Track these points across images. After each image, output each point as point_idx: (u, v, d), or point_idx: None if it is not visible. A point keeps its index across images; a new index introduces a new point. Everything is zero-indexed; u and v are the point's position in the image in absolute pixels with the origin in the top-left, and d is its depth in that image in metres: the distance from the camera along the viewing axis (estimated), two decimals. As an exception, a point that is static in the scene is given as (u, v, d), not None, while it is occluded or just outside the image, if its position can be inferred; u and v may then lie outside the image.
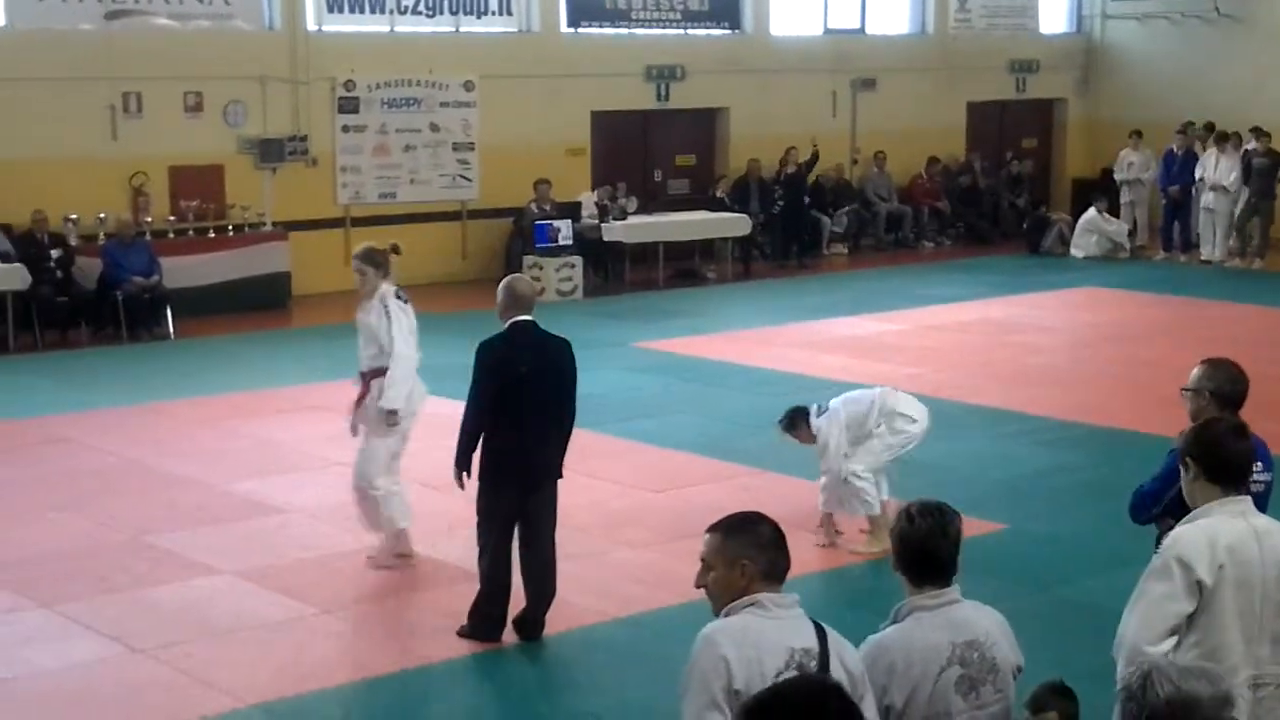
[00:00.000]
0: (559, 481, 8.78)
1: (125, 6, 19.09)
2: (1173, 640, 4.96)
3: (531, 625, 8.74)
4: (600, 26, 23.11)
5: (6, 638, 8.82)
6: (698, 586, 4.73)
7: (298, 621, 9.16)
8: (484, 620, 8.71)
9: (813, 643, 4.54)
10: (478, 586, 8.75)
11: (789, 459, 11.76)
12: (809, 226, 24.02)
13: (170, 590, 9.58)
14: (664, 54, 23.51)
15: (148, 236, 18.65)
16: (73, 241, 18.19)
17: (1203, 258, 23.89)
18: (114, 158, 18.93)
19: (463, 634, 8.74)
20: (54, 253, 17.85)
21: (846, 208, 24.95)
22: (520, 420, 8.48)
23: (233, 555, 10.17)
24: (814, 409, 10.44)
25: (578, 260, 20.80)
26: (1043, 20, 28.43)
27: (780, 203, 23.43)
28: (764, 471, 12.00)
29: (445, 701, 8.29)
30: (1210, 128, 24.42)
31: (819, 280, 22.55)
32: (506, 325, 8.65)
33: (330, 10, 20.77)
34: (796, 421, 10.49)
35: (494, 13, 22.07)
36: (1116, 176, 25.73)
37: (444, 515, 10.39)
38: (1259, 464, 5.87)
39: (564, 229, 20.71)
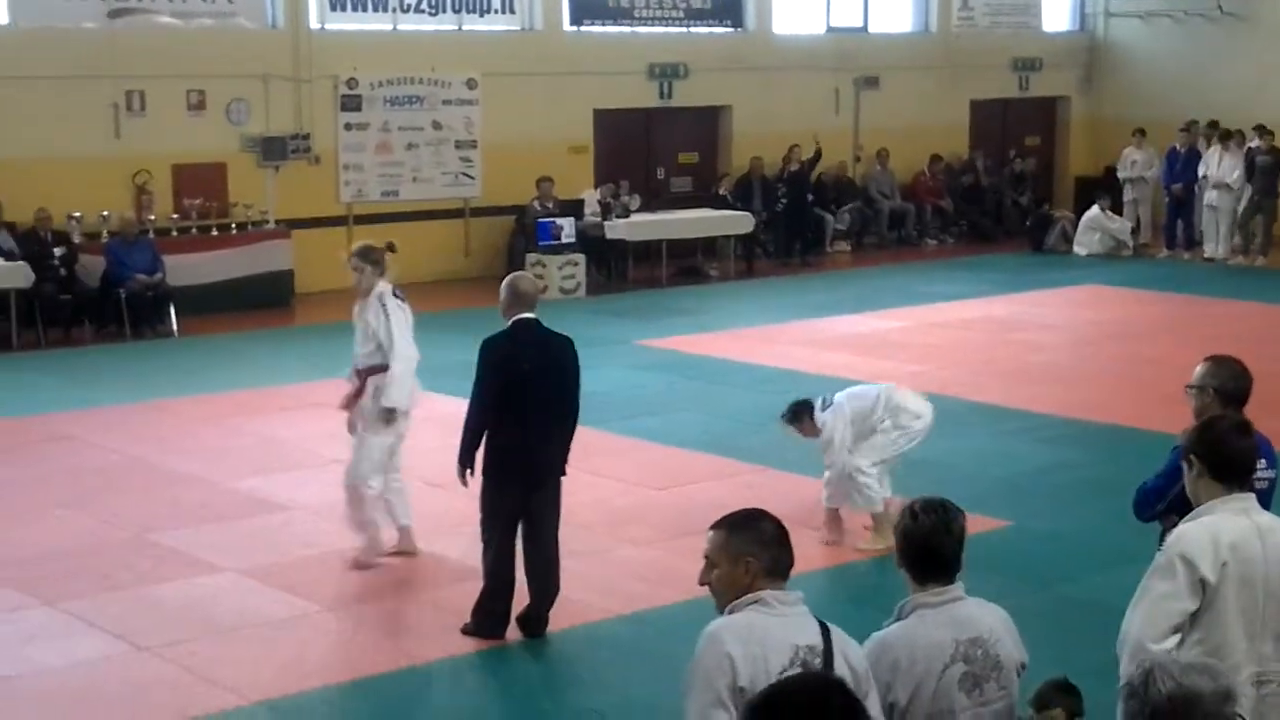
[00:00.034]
0: (562, 479, 8.78)
1: (128, 5, 19.10)
2: (1176, 638, 4.96)
3: (535, 622, 8.75)
4: (603, 24, 23.11)
5: (11, 636, 8.83)
6: (701, 584, 4.73)
7: (301, 619, 9.16)
8: (488, 617, 8.72)
9: (817, 640, 4.54)
10: (481, 584, 8.76)
11: (792, 456, 11.77)
12: (812, 224, 24.03)
13: (174, 588, 9.59)
14: (667, 52, 23.51)
15: (151, 234, 18.65)
16: (76, 239, 18.21)
17: (1206, 255, 23.88)
18: (117, 156, 18.94)
19: (466, 631, 8.75)
20: (57, 251, 17.87)
21: (849, 205, 24.95)
22: (524, 418, 8.48)
23: (236, 553, 10.18)
24: (818, 403, 10.44)
25: (580, 258, 20.80)
26: (1046, 18, 28.42)
27: (783, 201, 23.44)
28: (767, 469, 12.00)
29: (449, 699, 8.29)
30: (1214, 125, 24.41)
31: (822, 278, 22.54)
32: (510, 323, 8.65)
33: (333, 8, 20.78)
34: (800, 415, 10.49)
35: (496, 11, 22.07)
36: (1120, 174, 25.71)
37: (447, 513, 10.40)
38: (1262, 461, 5.87)
39: (567, 227, 20.71)
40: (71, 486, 11.75)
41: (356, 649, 8.75)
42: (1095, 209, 24.74)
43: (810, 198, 23.79)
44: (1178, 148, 24.50)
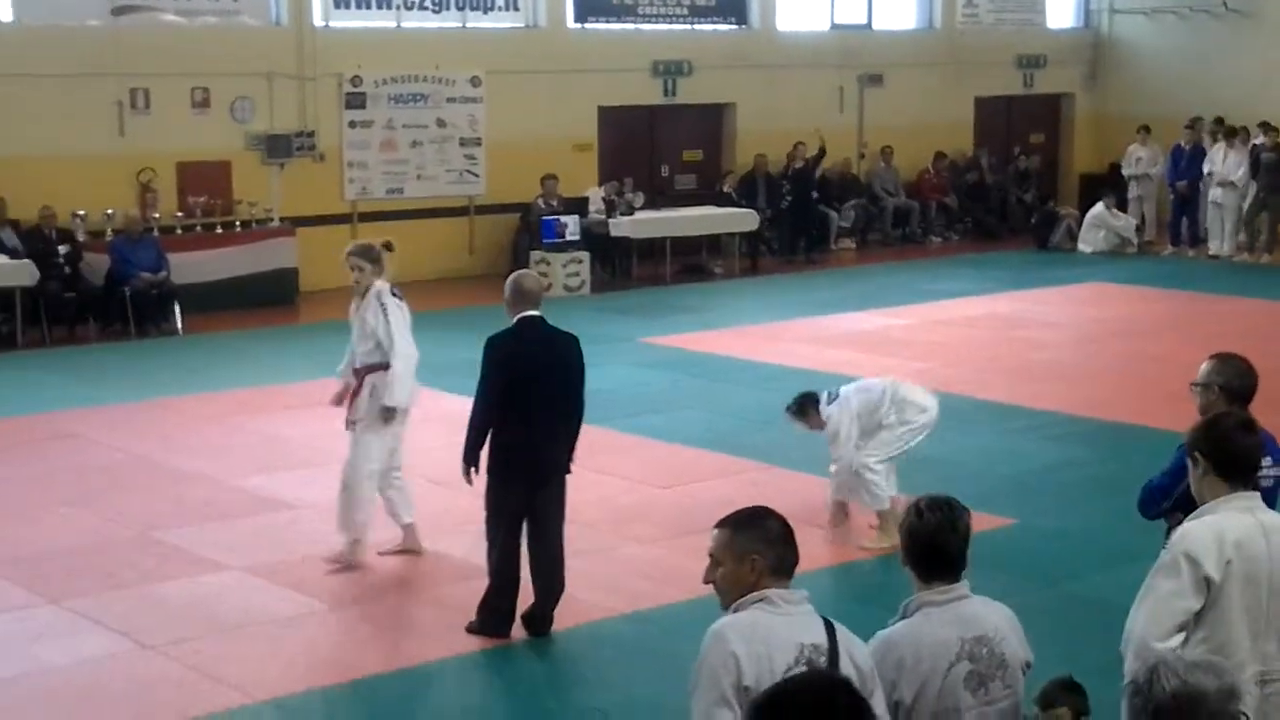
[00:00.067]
0: (567, 477, 8.78)
1: (132, 2, 19.10)
2: (1180, 636, 4.95)
3: (540, 621, 8.74)
4: (607, 22, 23.10)
5: (17, 634, 8.84)
6: (706, 582, 4.72)
7: (306, 617, 9.17)
8: (492, 615, 8.71)
9: (822, 638, 4.54)
10: (486, 582, 8.76)
11: (797, 454, 11.77)
12: (816, 221, 24.03)
13: (178, 586, 9.59)
14: (671, 49, 23.50)
15: (155, 232, 18.67)
16: (81, 238, 18.22)
17: (1210, 253, 23.87)
18: (121, 154, 18.95)
19: (471, 629, 8.74)
20: (62, 249, 17.89)
21: (852, 202, 24.94)
22: (528, 416, 8.48)
23: (241, 551, 10.18)
24: (824, 396, 10.41)
25: (585, 256, 20.80)
26: (1050, 15, 28.40)
27: (788, 198, 23.43)
28: (772, 467, 12.00)
29: (454, 697, 8.28)
30: (1220, 122, 24.38)
31: (826, 275, 22.53)
32: (514, 321, 8.64)
33: (337, 6, 20.78)
34: (806, 408, 10.45)
35: (501, 8, 22.06)
36: (1124, 172, 25.70)
37: (452, 511, 10.40)
38: (1268, 459, 5.86)
39: (571, 224, 20.71)
40: (76, 484, 11.76)
41: (361, 647, 8.75)
42: (1100, 206, 24.72)
43: (815, 195, 23.78)
44: (1182, 145, 24.50)
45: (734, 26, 24.37)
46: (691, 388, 15.05)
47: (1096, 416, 13.75)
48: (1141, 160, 25.40)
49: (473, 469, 8.65)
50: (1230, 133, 23.77)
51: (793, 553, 4.67)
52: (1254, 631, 5.03)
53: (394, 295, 9.83)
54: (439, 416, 12.57)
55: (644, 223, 21.82)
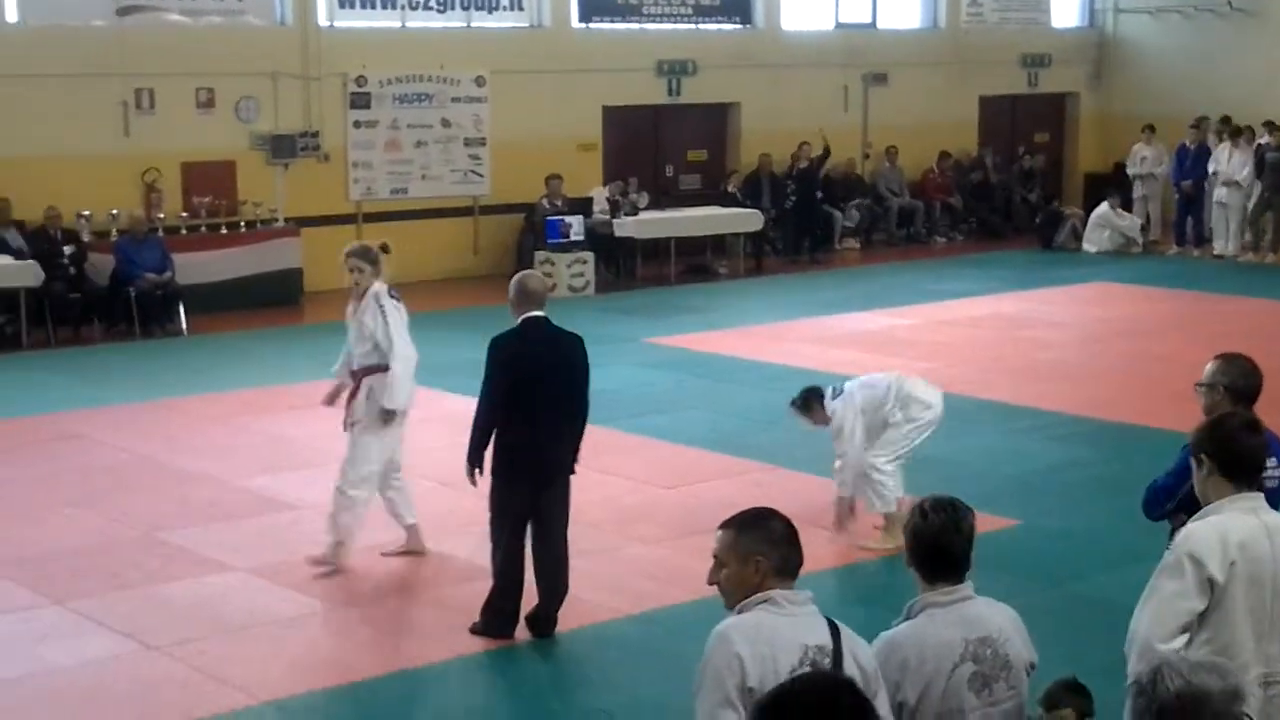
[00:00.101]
0: (571, 478, 8.77)
1: (137, 2, 19.12)
2: (1184, 637, 4.94)
3: (544, 622, 8.74)
4: (611, 21, 23.10)
5: (22, 634, 8.84)
6: (710, 583, 4.72)
7: (311, 618, 9.18)
8: (496, 616, 8.71)
9: (826, 640, 4.53)
10: (490, 583, 8.75)
11: (801, 455, 11.77)
12: (821, 221, 24.03)
13: (183, 587, 9.60)
14: (675, 49, 23.50)
15: (160, 233, 18.68)
16: (85, 238, 18.23)
17: (1215, 252, 23.86)
18: (126, 154, 18.97)
19: (475, 630, 8.74)
20: (67, 249, 17.89)
21: (857, 201, 24.93)
22: (533, 416, 8.48)
23: (245, 551, 10.19)
24: (829, 391, 10.38)
25: (589, 256, 20.79)
26: (1055, 14, 28.38)
27: (792, 198, 23.43)
28: (776, 467, 11.99)
29: (457, 699, 8.28)
30: (1226, 121, 24.32)
31: (831, 275, 22.53)
32: (519, 321, 8.64)
33: (342, 6, 20.79)
34: (811, 402, 10.41)
35: (505, 8, 22.07)
36: (1129, 171, 25.69)
37: (456, 512, 10.40)
38: (1272, 459, 5.85)
39: (575, 224, 20.71)
40: (81, 485, 11.76)
41: (365, 648, 8.75)
42: (1105, 206, 24.71)
43: (819, 195, 23.78)
44: (1187, 144, 24.49)
45: (738, 26, 24.37)
46: (696, 388, 15.05)
47: (1101, 417, 13.75)
48: (1146, 160, 25.39)
49: (477, 470, 8.64)
50: (1235, 132, 23.75)
51: (797, 554, 4.67)
52: (1258, 633, 5.03)
53: (392, 297, 9.83)
54: (443, 417, 12.57)
55: (648, 223, 21.82)
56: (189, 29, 19.46)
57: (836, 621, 4.64)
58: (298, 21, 20.28)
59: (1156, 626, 4.94)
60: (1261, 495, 5.20)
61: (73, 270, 17.86)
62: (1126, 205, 25.07)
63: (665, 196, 23.56)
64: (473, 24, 21.85)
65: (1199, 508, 5.21)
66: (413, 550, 10.09)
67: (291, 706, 7.94)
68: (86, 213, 18.25)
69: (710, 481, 11.72)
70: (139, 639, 8.73)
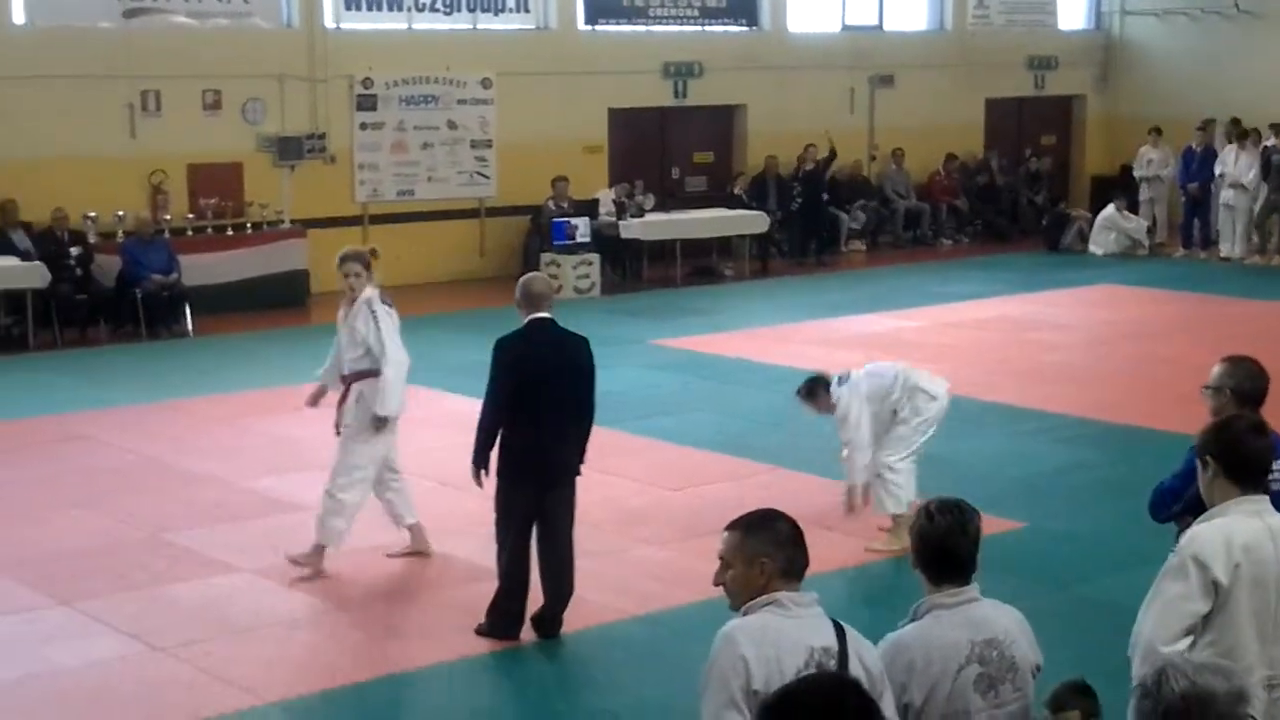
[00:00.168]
0: (577, 479, 8.77)
1: (144, 4, 19.14)
2: (1188, 640, 4.94)
3: (549, 623, 8.74)
4: (618, 24, 23.11)
5: (27, 635, 8.85)
6: (716, 584, 4.72)
7: (316, 619, 9.18)
8: (502, 617, 8.71)
9: (832, 641, 4.53)
10: (495, 584, 8.75)
11: (807, 456, 11.77)
12: (827, 223, 24.02)
13: (189, 588, 9.61)
14: (681, 51, 23.50)
15: (166, 234, 18.70)
16: (92, 239, 18.26)
17: (1222, 255, 23.83)
18: (133, 156, 18.98)
19: (481, 632, 8.74)
20: (73, 250, 17.91)
21: (861, 203, 24.91)
22: (538, 418, 8.48)
23: (251, 553, 10.19)
24: (835, 379, 10.34)
25: (595, 258, 20.80)
26: (1061, 16, 28.36)
27: (798, 200, 23.43)
28: (782, 469, 11.99)
29: (463, 699, 8.28)
30: (1236, 123, 24.26)
31: (837, 277, 22.52)
32: (524, 323, 8.65)
33: (348, 8, 20.80)
34: (816, 390, 10.36)
35: (511, 10, 22.08)
36: (1136, 173, 25.67)
37: (461, 513, 10.40)
38: (1278, 462, 5.84)
39: (581, 226, 20.71)
40: (87, 486, 11.77)
41: (371, 649, 8.76)
42: (1111, 208, 24.69)
43: (825, 197, 23.77)
44: (1194, 147, 24.45)
45: (744, 28, 24.37)
46: (702, 390, 15.05)
47: (1107, 419, 13.73)
48: (1153, 162, 25.36)
49: (482, 471, 8.65)
50: (1242, 134, 23.71)
51: (803, 555, 4.67)
52: (1262, 635, 5.02)
53: (384, 303, 9.83)
54: (448, 418, 12.57)
55: (654, 225, 21.82)
56: (195, 31, 19.48)
57: (842, 623, 4.63)
58: (304, 23, 20.30)
59: (1160, 629, 4.94)
60: (1267, 498, 5.19)
61: (79, 271, 17.88)
62: (1133, 208, 25.06)
63: (671, 198, 23.56)
64: (479, 26, 21.85)
65: (1205, 510, 5.20)
66: (417, 550, 10.09)
67: (297, 707, 7.94)
68: (93, 214, 18.28)
69: (716, 483, 11.71)
70: (145, 640, 8.74)
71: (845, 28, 25.60)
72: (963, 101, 26.76)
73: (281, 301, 19.14)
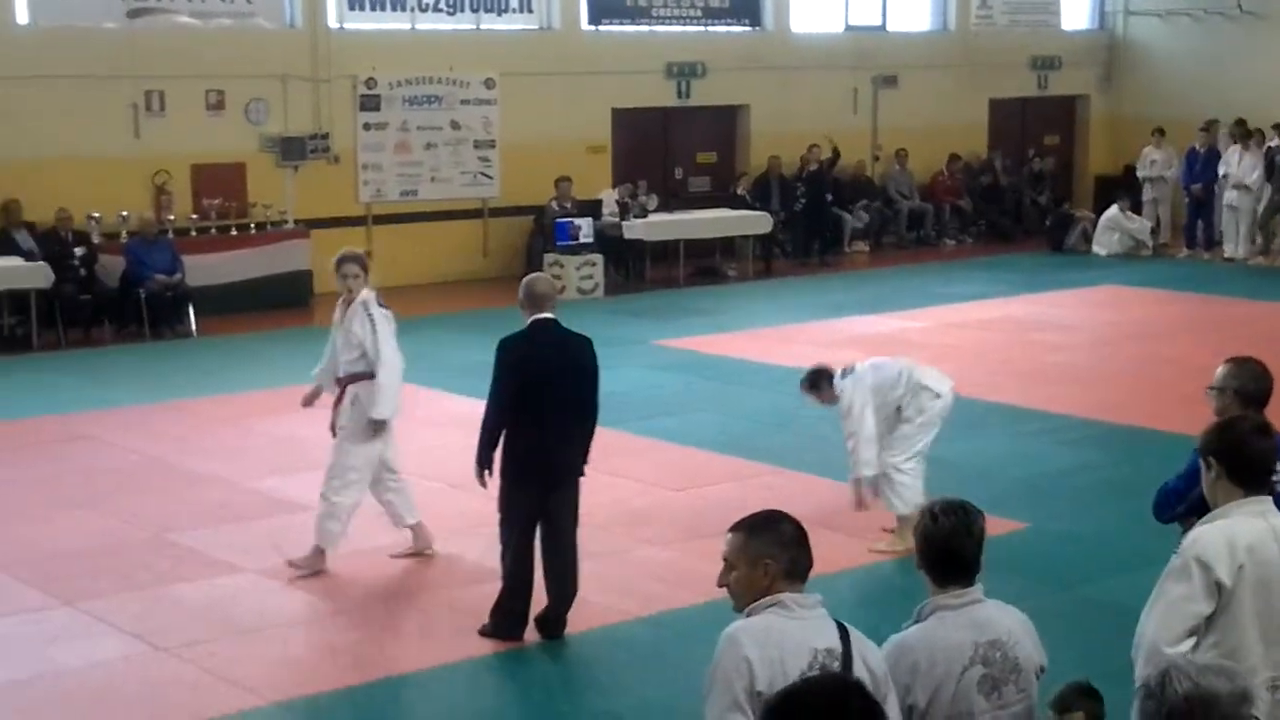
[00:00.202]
0: (581, 480, 8.78)
1: (147, 5, 19.14)
2: (1191, 641, 4.94)
3: (553, 624, 8.74)
4: (621, 24, 23.11)
5: (32, 636, 8.86)
6: (720, 586, 4.72)
7: (320, 620, 9.18)
8: (506, 618, 8.71)
9: (835, 643, 4.53)
10: (499, 585, 8.76)
11: (811, 457, 11.77)
12: (830, 224, 24.02)
13: (193, 588, 9.61)
14: (685, 51, 23.50)
15: (170, 235, 18.71)
16: (96, 240, 18.26)
17: (1226, 255, 23.81)
18: (136, 156, 18.99)
19: (484, 633, 8.74)
20: (77, 251, 17.92)
21: (865, 203, 24.91)
22: (541, 418, 8.48)
23: (255, 553, 10.19)
24: (839, 371, 10.32)
25: (598, 258, 20.80)
26: (1065, 17, 28.34)
27: (801, 200, 23.42)
28: (786, 470, 11.98)
29: (467, 700, 8.29)
30: (1241, 124, 24.23)
31: (840, 278, 22.52)
32: (528, 323, 8.65)
33: (351, 8, 20.81)
34: (819, 382, 10.33)
35: (515, 10, 22.07)
36: (1139, 174, 25.66)
37: (465, 514, 10.41)
38: (1282, 463, 5.85)
39: (585, 227, 20.71)
40: (90, 486, 11.78)
41: (375, 650, 8.76)
42: (1115, 209, 24.68)
43: (829, 197, 23.77)
44: (1197, 147, 24.43)
45: (748, 28, 24.36)
46: (705, 390, 15.05)
47: (1111, 420, 13.73)
48: (1156, 163, 25.36)
49: (486, 471, 8.66)
50: (1245, 135, 23.69)
51: (806, 556, 4.67)
52: (1266, 637, 5.02)
53: (380, 306, 9.83)
54: (452, 419, 12.58)
55: (657, 225, 21.83)
56: (199, 31, 19.49)
57: (846, 625, 4.63)
58: (307, 24, 20.30)
59: (1164, 630, 4.94)
60: (1270, 499, 5.19)
61: (83, 272, 17.90)
62: (1136, 208, 25.05)
63: (674, 199, 23.57)
64: (482, 26, 21.86)
65: (1209, 511, 5.20)
66: (421, 549, 10.10)
67: (301, 708, 7.95)
68: (97, 214, 18.28)
69: (719, 484, 11.71)
70: (149, 640, 8.75)
71: (848, 28, 25.60)
72: (966, 102, 26.75)
73: (285, 302, 19.14)
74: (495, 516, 8.76)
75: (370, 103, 20.82)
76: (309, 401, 10.40)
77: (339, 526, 9.82)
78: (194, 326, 18.10)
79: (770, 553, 4.60)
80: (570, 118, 22.18)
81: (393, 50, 21.01)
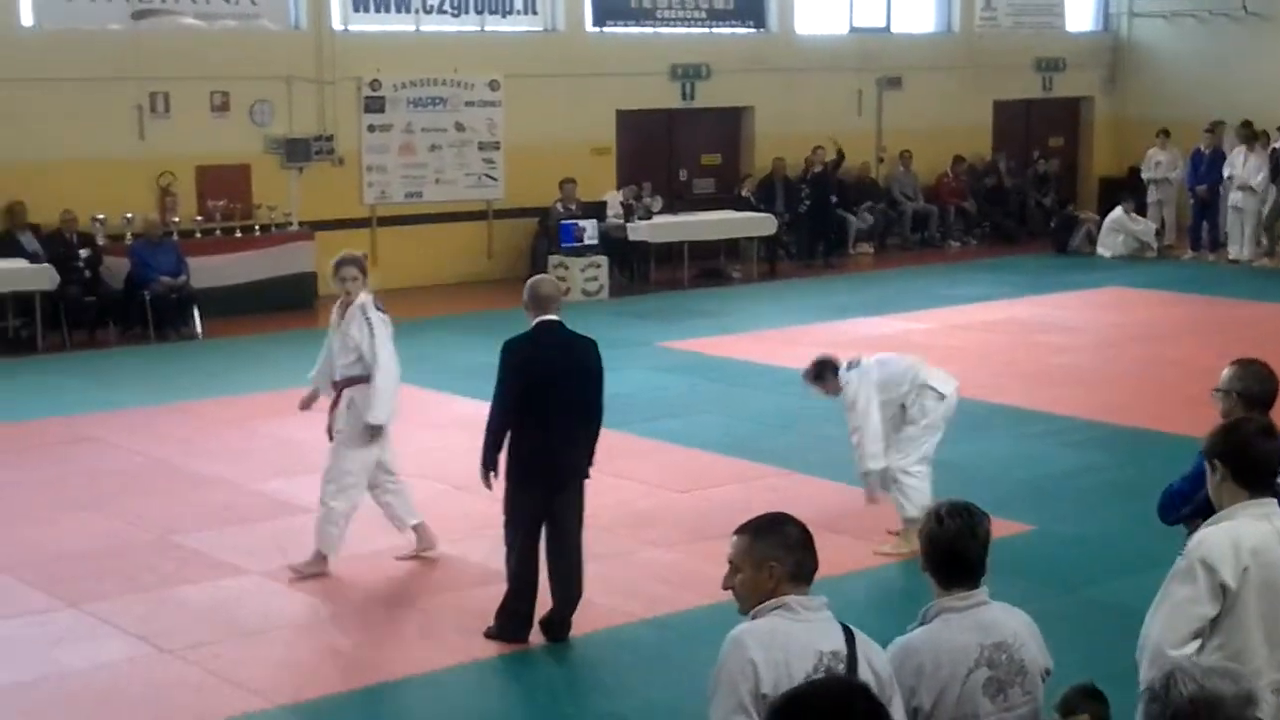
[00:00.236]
0: (585, 482, 8.77)
1: (152, 6, 19.15)
2: (1196, 643, 4.93)
3: (558, 626, 8.74)
4: (625, 25, 23.11)
5: (36, 637, 8.86)
6: (725, 588, 4.72)
7: (324, 621, 9.18)
8: (510, 620, 8.71)
9: (840, 645, 4.53)
10: (504, 587, 8.76)
11: (816, 459, 11.76)
12: (835, 226, 24.01)
13: (198, 590, 9.61)
14: (689, 53, 23.50)
15: (175, 236, 18.73)
16: (101, 241, 18.28)
17: (1230, 257, 23.79)
18: (141, 158, 19.01)
19: (489, 635, 8.74)
20: (82, 253, 17.94)
21: (869, 205, 24.90)
22: (546, 420, 8.48)
23: (260, 555, 10.20)
24: (844, 364, 10.29)
25: (603, 260, 20.80)
26: (1069, 18, 28.33)
27: (806, 202, 23.42)
28: (791, 472, 11.98)
29: (471, 702, 8.29)
30: (1247, 125, 24.21)
31: (845, 280, 22.52)
32: (532, 325, 8.65)
33: (356, 10, 20.81)
34: (823, 372, 10.28)
35: (519, 12, 22.09)
36: (1144, 175, 25.64)
37: (470, 516, 10.41)
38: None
39: (589, 229, 20.72)
40: (95, 488, 11.79)
41: (379, 652, 8.76)
42: (1119, 210, 24.66)
43: (833, 199, 23.76)
44: (1202, 149, 24.42)
45: (752, 30, 24.36)
46: (709, 392, 15.05)
47: (1115, 422, 13.72)
48: (1161, 164, 25.34)
49: (491, 473, 8.65)
50: (1251, 136, 23.67)
51: (812, 559, 4.67)
52: (1271, 639, 5.01)
53: (378, 309, 9.83)
54: (457, 421, 12.58)
55: (662, 227, 21.83)
56: (204, 33, 19.50)
57: (851, 627, 4.63)
58: (312, 25, 20.32)
59: (1168, 632, 4.93)
60: (1275, 501, 5.18)
61: (88, 273, 17.91)
62: (1141, 210, 25.03)
63: (679, 200, 23.56)
64: (486, 28, 21.86)
65: (1214, 513, 5.20)
66: (425, 550, 10.10)
67: (306, 710, 7.94)
68: (101, 216, 18.31)
69: (724, 486, 11.71)
70: (153, 642, 8.75)
71: (853, 30, 25.59)
72: (970, 103, 26.74)
73: (290, 303, 19.15)
74: (500, 519, 8.76)
75: (375, 104, 20.83)
76: (306, 405, 10.42)
77: (337, 531, 9.83)
78: (199, 328, 18.12)
79: (775, 555, 4.60)
80: (575, 119, 22.18)
81: (397, 52, 21.01)
